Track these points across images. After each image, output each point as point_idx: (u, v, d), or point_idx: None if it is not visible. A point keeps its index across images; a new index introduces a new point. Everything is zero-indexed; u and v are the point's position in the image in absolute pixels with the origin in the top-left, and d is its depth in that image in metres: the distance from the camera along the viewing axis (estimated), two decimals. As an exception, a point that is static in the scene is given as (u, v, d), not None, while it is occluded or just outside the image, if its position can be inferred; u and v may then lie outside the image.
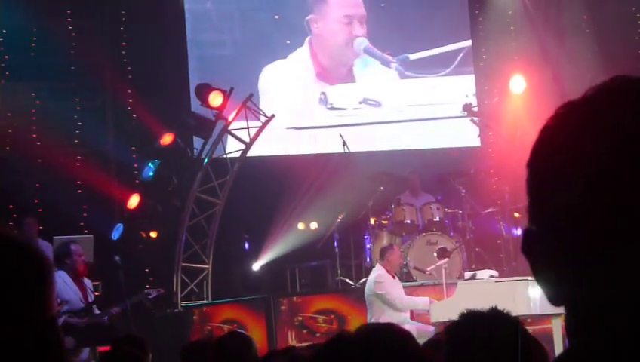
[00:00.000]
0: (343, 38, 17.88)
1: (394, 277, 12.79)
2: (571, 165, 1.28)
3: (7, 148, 16.43)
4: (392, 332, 1.59)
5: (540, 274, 1.35)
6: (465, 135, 17.16)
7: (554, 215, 1.30)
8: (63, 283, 11.32)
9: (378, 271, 12.81)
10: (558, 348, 10.64)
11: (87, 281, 11.73)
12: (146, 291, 12.44)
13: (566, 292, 1.32)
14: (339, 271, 15.38)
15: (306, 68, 17.76)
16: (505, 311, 3.47)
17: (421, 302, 12.64)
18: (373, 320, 12.29)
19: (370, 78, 18.05)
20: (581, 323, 1.31)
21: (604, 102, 1.30)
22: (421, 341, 3.49)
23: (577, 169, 1.27)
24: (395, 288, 12.64)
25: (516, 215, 15.69)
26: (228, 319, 14.30)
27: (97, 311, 11.54)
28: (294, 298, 14.61)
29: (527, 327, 11.21)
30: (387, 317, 12.08)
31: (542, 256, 1.33)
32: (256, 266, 16.68)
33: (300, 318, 14.10)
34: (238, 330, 11.55)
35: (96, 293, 12.61)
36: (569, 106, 1.34)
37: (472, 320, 3.47)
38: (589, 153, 1.26)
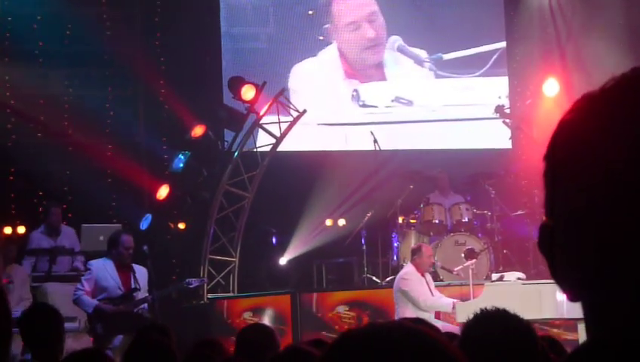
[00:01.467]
0: (358, 43, 17.83)
1: (423, 275, 12.75)
2: (590, 159, 1.26)
3: (39, 134, 16.54)
4: (402, 328, 1.56)
5: (556, 270, 1.33)
6: (496, 136, 17.10)
7: (572, 210, 1.28)
8: (104, 270, 11.49)
9: (407, 269, 12.82)
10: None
11: (141, 270, 11.77)
12: (187, 280, 12.48)
13: (580, 289, 1.30)
14: (365, 269, 15.37)
15: (335, 66, 17.76)
16: (514, 313, 3.51)
17: (445, 303, 12.59)
18: (398, 317, 12.29)
19: (403, 76, 18.03)
20: (594, 321, 1.29)
21: (624, 94, 1.27)
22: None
23: (597, 163, 1.25)
24: (420, 287, 12.61)
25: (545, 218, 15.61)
26: (253, 312, 14.32)
27: (141, 297, 11.59)
28: (320, 293, 14.62)
29: (555, 331, 11.14)
30: (411, 314, 12.06)
31: (557, 251, 1.32)
32: (283, 261, 16.70)
33: (325, 314, 14.09)
34: (260, 322, 11.59)
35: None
36: (588, 99, 1.32)
37: (482, 320, 3.51)
38: (609, 147, 1.25)
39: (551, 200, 1.33)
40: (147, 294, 11.71)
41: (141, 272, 11.75)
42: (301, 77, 17.50)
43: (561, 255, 1.32)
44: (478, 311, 3.58)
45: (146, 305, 11.70)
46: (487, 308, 3.57)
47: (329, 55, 17.74)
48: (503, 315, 3.53)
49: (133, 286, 11.53)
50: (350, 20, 17.85)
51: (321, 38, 17.75)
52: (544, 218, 1.36)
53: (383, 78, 17.99)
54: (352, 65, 17.85)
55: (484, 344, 3.43)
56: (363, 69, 17.95)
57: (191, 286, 12.67)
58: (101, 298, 11.45)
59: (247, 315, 14.30)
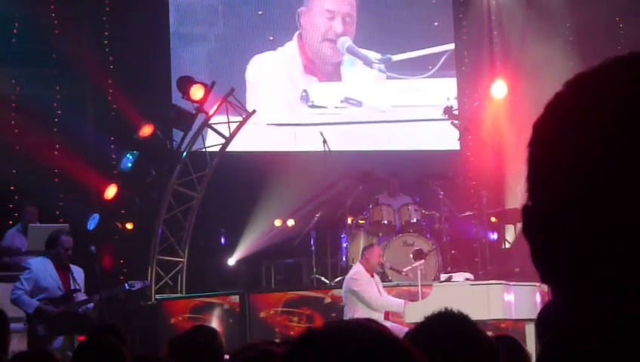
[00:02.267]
0: (324, 33, 17.90)
1: (372, 276, 12.78)
2: (574, 142, 1.26)
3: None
4: (363, 327, 1.58)
5: (533, 251, 1.34)
6: (445, 138, 17.17)
7: (555, 191, 1.28)
8: (44, 269, 11.36)
9: (356, 269, 12.82)
10: (532, 352, 10.64)
11: (77, 270, 11.68)
12: (130, 282, 12.39)
13: (555, 272, 1.31)
14: (314, 269, 15.37)
15: (294, 62, 17.78)
16: (458, 311, 3.54)
17: (396, 303, 12.63)
18: (348, 318, 12.30)
19: (355, 77, 18.07)
20: (566, 308, 1.29)
21: (613, 77, 1.28)
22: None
23: (579, 145, 1.26)
24: (370, 287, 12.63)
25: (493, 219, 15.72)
26: (201, 313, 14.28)
27: (82, 298, 11.48)
28: (268, 294, 14.61)
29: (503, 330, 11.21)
30: (362, 315, 12.08)
31: (537, 233, 1.32)
32: (231, 261, 16.67)
33: (273, 314, 14.08)
34: (204, 324, 11.53)
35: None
36: (574, 84, 1.33)
37: (429, 322, 3.54)
38: (593, 129, 1.25)
39: (533, 181, 1.33)
40: (85, 295, 11.59)
41: (78, 272, 11.64)
42: (260, 68, 17.47)
43: (539, 236, 1.32)
44: (428, 313, 3.60)
45: (91, 304, 11.61)
46: (435, 310, 3.59)
47: (289, 51, 17.74)
48: (449, 316, 3.55)
49: (72, 286, 11.44)
50: (330, 8, 17.88)
51: (271, 38, 17.75)
52: (527, 200, 1.36)
53: (339, 78, 18.03)
54: (312, 59, 17.86)
55: (432, 345, 3.44)
56: (322, 64, 17.97)
57: (134, 289, 12.59)
58: (40, 298, 11.30)
59: (196, 316, 14.25)
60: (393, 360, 1.53)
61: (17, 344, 11.49)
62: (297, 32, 17.80)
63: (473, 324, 3.55)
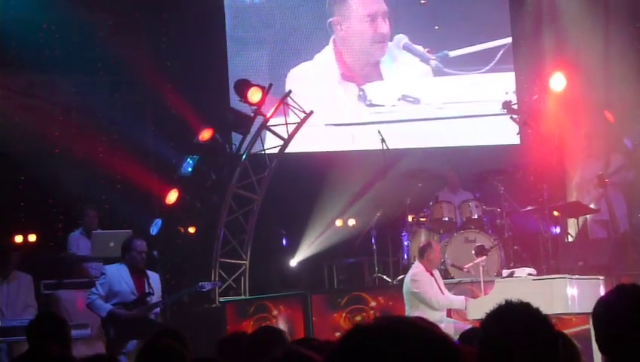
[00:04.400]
0: (369, 36, 17.85)
1: (432, 274, 12.75)
2: None
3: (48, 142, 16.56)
4: (410, 323, 1.60)
5: None
6: (504, 133, 17.06)
7: None
8: (118, 275, 11.53)
9: (415, 269, 12.77)
10: (595, 346, 10.56)
11: (154, 275, 11.83)
12: (200, 283, 12.46)
13: None
14: (376, 269, 15.36)
15: (331, 68, 17.73)
16: (535, 307, 3.50)
17: (457, 300, 12.60)
18: (410, 318, 12.28)
19: (402, 75, 18.01)
20: None
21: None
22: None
23: None
24: (431, 286, 12.59)
25: (555, 213, 15.60)
26: (265, 315, 14.32)
27: (155, 301, 11.61)
28: (331, 294, 14.62)
29: (566, 328, 11.12)
30: (423, 314, 12.05)
31: None
32: (293, 262, 16.72)
33: (337, 314, 14.09)
34: (270, 325, 11.58)
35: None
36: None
37: (505, 314, 3.50)
38: None
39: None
40: (160, 299, 11.73)
41: (154, 278, 11.79)
42: (298, 81, 17.46)
43: None
44: (495, 307, 3.56)
45: (158, 309, 11.72)
46: (510, 301, 3.55)
47: (325, 57, 17.71)
48: (524, 309, 3.52)
49: (146, 290, 11.56)
50: (367, 12, 17.85)
51: (331, 20, 17.71)
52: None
53: (380, 78, 17.98)
54: (350, 65, 17.84)
55: (507, 338, 3.42)
56: (361, 68, 17.93)
57: (203, 290, 12.66)
58: (114, 302, 11.46)
59: (260, 318, 14.30)
60: (438, 357, 1.55)
61: (85, 350, 11.66)
62: (332, 38, 17.73)
63: (549, 321, 3.52)
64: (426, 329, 1.57)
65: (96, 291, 11.54)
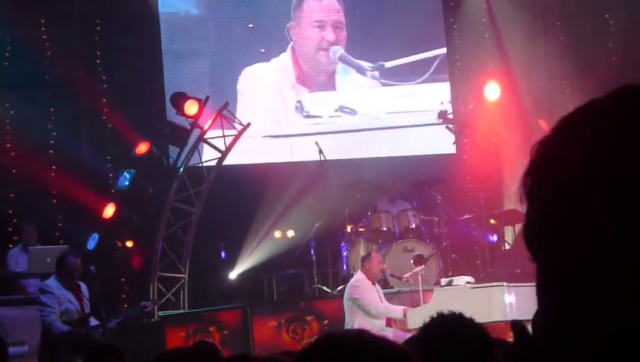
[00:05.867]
0: (317, 43, 17.93)
1: (373, 283, 12.80)
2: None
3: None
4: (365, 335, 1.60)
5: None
6: (440, 142, 17.21)
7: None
8: (62, 293, 11.36)
9: (357, 277, 12.86)
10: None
11: (83, 286, 11.70)
12: (142, 303, 12.37)
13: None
14: (316, 279, 15.38)
15: (286, 73, 17.79)
16: (467, 315, 3.54)
17: (395, 310, 12.67)
18: (349, 326, 12.32)
19: (350, 86, 18.10)
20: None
21: (615, 112, 1.26)
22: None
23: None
24: (371, 294, 12.64)
25: (492, 221, 15.74)
26: (204, 328, 14.26)
27: (94, 323, 11.47)
28: (271, 306, 14.60)
29: (504, 336, 11.20)
30: (363, 322, 12.11)
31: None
32: (232, 275, 16.67)
33: (276, 325, 14.07)
34: (206, 339, 11.51)
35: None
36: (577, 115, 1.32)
37: (435, 325, 3.53)
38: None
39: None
40: (95, 319, 11.56)
41: (85, 290, 11.67)
42: (251, 80, 17.49)
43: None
44: (434, 316, 3.59)
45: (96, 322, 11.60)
46: (443, 312, 3.59)
47: (282, 62, 17.76)
48: (460, 319, 3.55)
49: (86, 310, 11.45)
50: (319, 18, 17.92)
51: (262, 50, 17.76)
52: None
53: (333, 88, 18.04)
54: (305, 70, 17.88)
55: (444, 348, 3.45)
56: (315, 74, 17.98)
57: (147, 310, 12.60)
58: (62, 321, 11.29)
59: (199, 332, 14.23)
60: None
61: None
62: (290, 44, 17.82)
63: (484, 328, 3.55)
64: (384, 341, 1.59)
65: (52, 311, 11.27)
